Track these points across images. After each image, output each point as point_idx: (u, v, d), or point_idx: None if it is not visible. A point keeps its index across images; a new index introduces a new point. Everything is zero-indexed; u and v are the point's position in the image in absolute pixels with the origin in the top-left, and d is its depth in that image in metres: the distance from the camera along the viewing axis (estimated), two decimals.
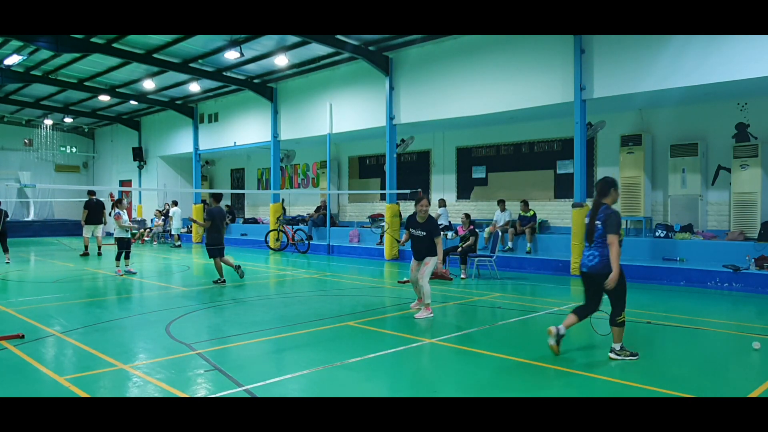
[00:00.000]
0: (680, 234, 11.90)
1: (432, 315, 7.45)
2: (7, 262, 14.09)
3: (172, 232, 20.64)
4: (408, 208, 17.83)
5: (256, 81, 18.62)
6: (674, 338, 6.48)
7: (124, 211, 12.07)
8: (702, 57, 10.35)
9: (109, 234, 20.10)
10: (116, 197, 22.85)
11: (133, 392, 4.58)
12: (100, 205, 16.52)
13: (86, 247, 16.53)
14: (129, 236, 11.97)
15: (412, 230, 7.65)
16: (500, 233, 12.72)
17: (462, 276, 11.36)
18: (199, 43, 15.48)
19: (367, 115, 16.26)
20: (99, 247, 16.47)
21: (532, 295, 9.72)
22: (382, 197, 18.32)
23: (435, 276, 11.21)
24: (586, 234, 5.41)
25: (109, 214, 11.99)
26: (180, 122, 23.36)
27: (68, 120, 26.14)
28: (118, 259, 11.94)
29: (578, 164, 12.06)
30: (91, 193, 16.57)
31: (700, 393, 4.48)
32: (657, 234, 12.28)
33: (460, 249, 11.64)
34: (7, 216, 14.79)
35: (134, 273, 11.91)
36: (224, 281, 10.55)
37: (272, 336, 6.50)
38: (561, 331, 5.40)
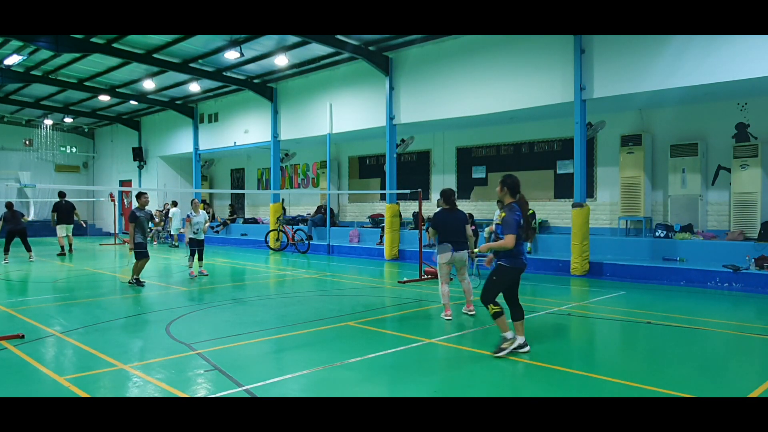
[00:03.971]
0: (680, 234, 11.90)
1: (448, 317, 7.34)
2: (31, 260, 14.68)
3: (172, 232, 20.64)
4: (408, 208, 17.86)
5: (256, 81, 18.62)
6: (674, 338, 6.47)
7: (200, 213, 11.95)
8: (702, 57, 10.34)
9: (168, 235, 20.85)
10: (115, 198, 23.05)
11: (133, 392, 4.58)
12: (70, 206, 16.75)
13: (62, 247, 16.71)
14: (201, 237, 11.72)
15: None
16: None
17: None
18: (199, 43, 15.47)
19: (367, 115, 16.26)
20: (70, 245, 16.69)
21: (532, 295, 9.71)
22: (382, 197, 18.32)
23: (436, 275, 11.23)
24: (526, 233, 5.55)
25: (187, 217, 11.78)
26: (180, 122, 23.36)
27: (68, 120, 26.14)
28: (191, 260, 11.73)
29: (578, 164, 12.06)
30: (61, 194, 16.74)
31: (700, 393, 4.48)
32: (657, 234, 12.28)
33: None
34: (23, 216, 15.25)
35: (206, 275, 11.75)
36: (138, 282, 10.29)
37: (272, 336, 6.50)
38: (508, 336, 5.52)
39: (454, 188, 17.11)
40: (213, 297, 9.34)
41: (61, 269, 13.35)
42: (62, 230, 16.60)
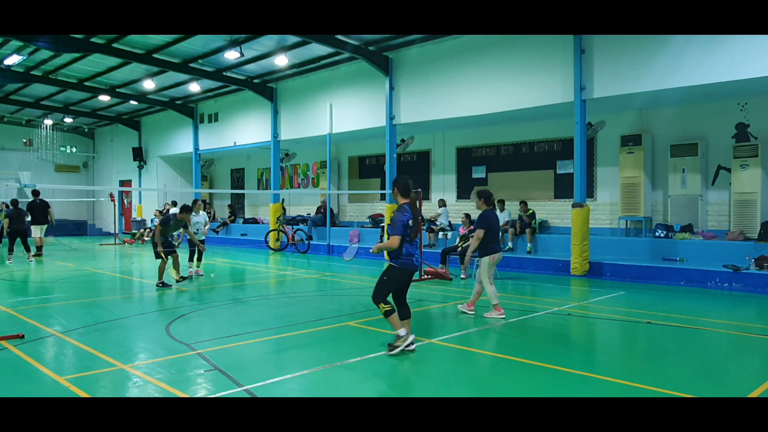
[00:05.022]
0: (680, 234, 11.90)
1: (503, 315, 7.33)
2: (27, 260, 14.64)
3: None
4: None
5: (256, 81, 18.62)
6: (674, 338, 6.47)
7: (200, 213, 11.89)
8: (702, 57, 10.34)
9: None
10: (115, 198, 23.06)
11: (133, 392, 4.58)
12: (44, 205, 16.12)
13: (39, 248, 16.05)
14: (202, 238, 11.66)
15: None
16: (500, 233, 12.71)
17: (462, 276, 11.35)
18: (199, 43, 15.47)
19: (367, 115, 16.26)
20: (40, 247, 15.95)
21: (532, 295, 9.72)
22: (382, 197, 18.32)
23: (435, 275, 11.25)
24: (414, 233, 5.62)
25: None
26: (180, 122, 23.36)
27: (68, 120, 26.14)
28: (190, 260, 11.65)
29: (578, 164, 12.06)
30: (35, 193, 16.18)
31: (700, 393, 4.48)
32: (657, 234, 12.28)
33: (459, 249, 11.64)
34: (27, 214, 15.20)
35: (201, 274, 11.73)
36: (163, 284, 10.06)
37: (272, 336, 6.50)
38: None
39: (454, 188, 17.14)
40: (213, 297, 9.34)
41: (61, 269, 13.34)
42: (37, 231, 16.03)
